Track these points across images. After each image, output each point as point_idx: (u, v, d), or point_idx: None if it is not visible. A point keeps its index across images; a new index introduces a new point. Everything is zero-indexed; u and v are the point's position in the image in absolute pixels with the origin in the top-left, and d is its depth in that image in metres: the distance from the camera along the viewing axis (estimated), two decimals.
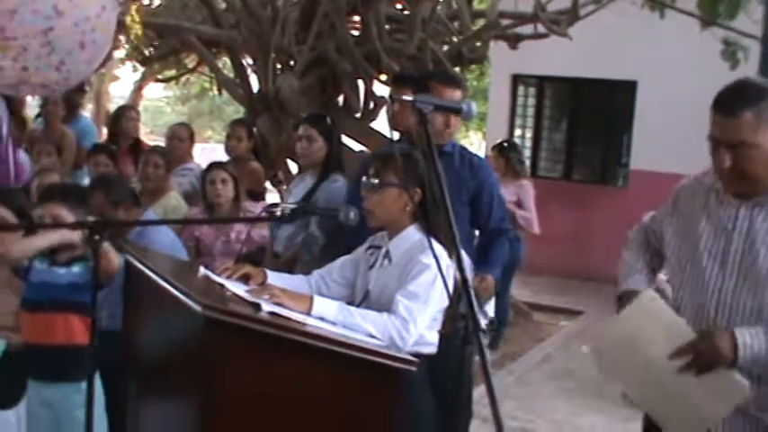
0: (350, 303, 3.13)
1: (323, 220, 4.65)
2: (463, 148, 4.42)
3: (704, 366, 2.68)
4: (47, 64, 4.37)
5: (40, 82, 4.47)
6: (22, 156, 5.57)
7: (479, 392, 4.26)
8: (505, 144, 8.26)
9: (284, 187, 7.32)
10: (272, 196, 7.61)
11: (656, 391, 2.83)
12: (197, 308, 2.37)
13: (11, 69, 4.34)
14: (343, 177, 4.86)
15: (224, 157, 6.33)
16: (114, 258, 3.67)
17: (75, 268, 3.79)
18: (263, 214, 3.78)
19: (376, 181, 3.21)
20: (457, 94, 4.22)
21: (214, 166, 5.40)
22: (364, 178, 3.27)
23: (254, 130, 6.89)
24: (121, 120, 6.90)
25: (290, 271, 3.55)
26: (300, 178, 5.24)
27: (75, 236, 3.71)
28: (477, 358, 2.15)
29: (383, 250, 3.25)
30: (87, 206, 3.88)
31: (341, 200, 4.66)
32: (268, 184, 7.38)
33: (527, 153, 11.82)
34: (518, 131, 12.23)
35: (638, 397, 3.01)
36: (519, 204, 7.59)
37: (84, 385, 3.52)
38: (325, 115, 5.10)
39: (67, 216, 3.76)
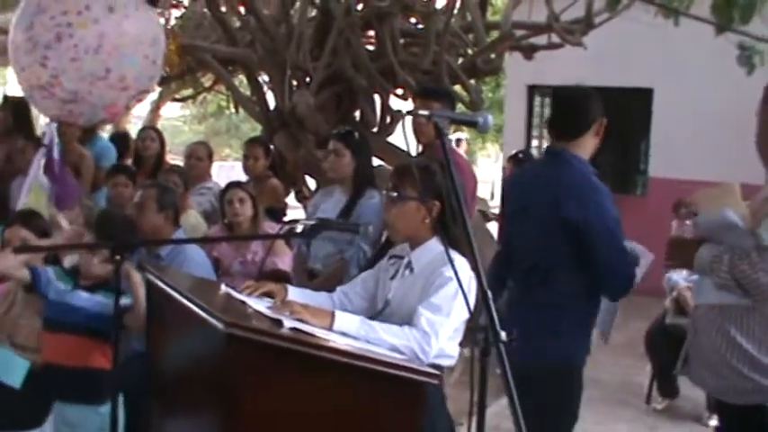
0: (372, 315, 3.14)
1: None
2: None
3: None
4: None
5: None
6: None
7: (502, 404, 4.25)
8: (521, 155, 8.26)
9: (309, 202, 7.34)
10: (296, 212, 7.63)
11: None
12: (219, 325, 2.37)
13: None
14: (378, 193, 4.79)
15: (242, 176, 6.35)
16: (137, 279, 3.69)
17: (99, 296, 3.80)
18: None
19: (394, 194, 3.23)
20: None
21: (231, 185, 5.42)
22: (383, 192, 3.29)
23: (272, 147, 6.92)
24: (143, 141, 6.99)
25: (333, 288, 3.52)
26: (327, 193, 5.15)
27: (12, 268, 3.77)
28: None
29: (405, 260, 3.25)
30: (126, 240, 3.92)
31: (380, 216, 4.64)
32: (292, 200, 7.40)
33: None
34: (535, 142, 12.22)
35: None
36: None
37: (104, 408, 3.54)
38: (354, 131, 5.10)
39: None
